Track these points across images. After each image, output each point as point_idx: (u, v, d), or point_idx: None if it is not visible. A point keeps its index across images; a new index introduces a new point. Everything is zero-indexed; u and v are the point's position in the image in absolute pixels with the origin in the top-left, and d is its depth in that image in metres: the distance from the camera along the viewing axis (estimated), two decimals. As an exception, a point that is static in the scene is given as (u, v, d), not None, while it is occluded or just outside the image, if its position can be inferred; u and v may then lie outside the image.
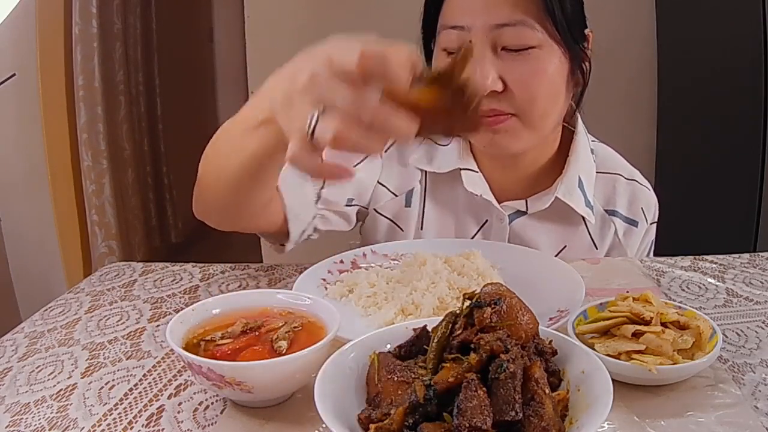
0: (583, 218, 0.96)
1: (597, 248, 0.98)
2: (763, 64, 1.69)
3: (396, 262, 0.89)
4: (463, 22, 0.83)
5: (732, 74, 1.83)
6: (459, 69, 0.55)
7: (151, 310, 0.83)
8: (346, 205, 0.98)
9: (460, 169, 0.96)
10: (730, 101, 1.85)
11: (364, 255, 0.91)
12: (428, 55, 0.92)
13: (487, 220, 0.98)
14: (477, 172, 0.96)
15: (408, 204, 1.01)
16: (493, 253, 0.87)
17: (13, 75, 1.90)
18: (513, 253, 0.89)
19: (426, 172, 0.99)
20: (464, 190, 0.96)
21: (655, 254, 1.04)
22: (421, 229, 1.00)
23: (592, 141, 1.03)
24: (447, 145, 0.98)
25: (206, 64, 2.68)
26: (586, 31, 0.90)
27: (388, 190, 1.01)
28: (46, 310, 0.84)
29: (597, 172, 0.99)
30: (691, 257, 0.95)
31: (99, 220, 2.02)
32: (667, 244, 2.28)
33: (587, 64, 0.90)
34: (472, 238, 0.99)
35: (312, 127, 0.53)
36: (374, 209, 1.02)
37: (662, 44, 2.24)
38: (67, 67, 1.91)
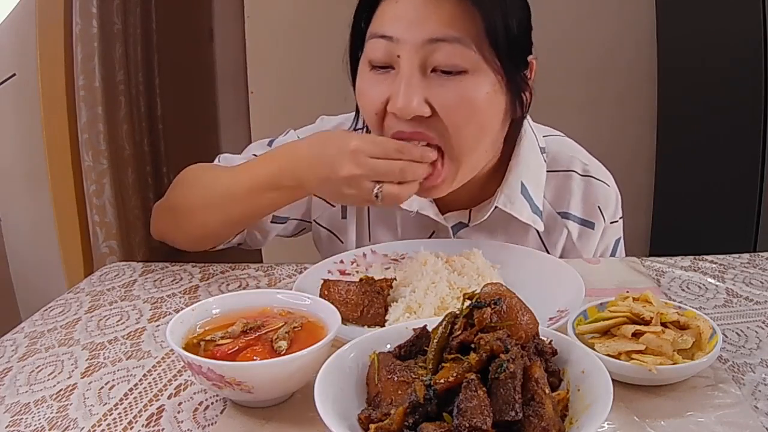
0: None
1: (549, 253, 0.93)
2: (764, 64, 1.69)
3: (396, 262, 0.89)
4: (392, 32, 0.75)
5: (732, 74, 1.83)
6: (384, 281, 0.78)
7: (151, 310, 0.83)
8: (271, 222, 0.99)
9: None
10: (730, 101, 1.85)
11: (364, 255, 0.91)
12: (354, 65, 0.85)
13: (433, 232, 0.95)
14: None
15: (344, 216, 0.99)
16: (493, 253, 0.87)
17: (13, 75, 1.90)
18: (513, 253, 0.89)
19: None
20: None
21: (655, 254, 1.04)
22: (369, 241, 0.98)
23: (546, 136, 0.96)
24: None
25: (206, 64, 2.68)
26: (530, 57, 0.82)
27: (324, 200, 0.98)
28: (46, 310, 0.84)
29: (548, 171, 0.93)
30: (691, 257, 0.95)
31: (100, 220, 2.02)
32: (667, 244, 2.29)
33: (528, 94, 0.82)
34: None
35: (376, 193, 0.75)
36: (314, 220, 1.02)
37: (662, 44, 2.24)
38: (67, 67, 1.91)
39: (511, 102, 0.81)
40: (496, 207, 0.90)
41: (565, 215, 0.94)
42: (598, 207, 0.95)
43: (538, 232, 0.93)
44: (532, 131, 0.94)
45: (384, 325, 0.73)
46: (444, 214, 0.94)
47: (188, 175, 0.96)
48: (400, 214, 0.96)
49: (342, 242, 1.01)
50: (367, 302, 0.75)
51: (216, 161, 1.01)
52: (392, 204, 0.78)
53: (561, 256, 0.96)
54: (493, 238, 0.93)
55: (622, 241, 1.01)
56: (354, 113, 0.97)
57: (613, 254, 1.00)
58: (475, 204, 0.92)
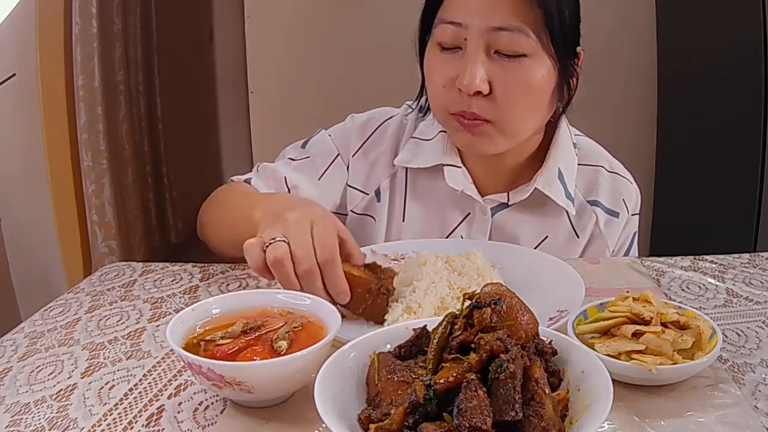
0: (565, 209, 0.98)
1: (578, 237, 1.00)
2: (764, 64, 1.69)
3: (396, 262, 0.89)
4: (461, 19, 0.84)
5: (732, 74, 1.83)
6: (389, 275, 0.76)
7: (151, 310, 0.83)
8: None
9: (443, 165, 0.98)
10: (730, 101, 1.86)
11: (364, 255, 0.91)
12: (422, 48, 0.93)
13: (470, 213, 1.00)
14: (460, 167, 0.98)
15: (378, 199, 1.03)
16: (493, 253, 0.87)
17: (13, 75, 1.90)
18: (513, 253, 0.89)
19: (407, 167, 1.01)
20: (447, 183, 0.98)
21: (655, 254, 1.04)
22: (403, 221, 1.02)
23: (576, 135, 1.04)
24: (431, 140, 1.00)
25: (206, 64, 2.68)
26: (578, 48, 0.91)
27: (359, 190, 1.04)
28: (46, 310, 0.84)
29: (579, 164, 1.01)
30: (691, 257, 0.95)
31: (99, 220, 2.02)
32: (667, 244, 2.29)
33: (575, 80, 0.91)
34: (455, 229, 1.01)
35: (272, 242, 0.72)
36: (351, 211, 1.05)
37: (662, 44, 2.24)
38: (67, 67, 1.91)
39: (560, 85, 0.89)
40: (535, 188, 0.96)
41: (594, 203, 1.01)
42: (623, 200, 1.02)
43: (569, 217, 0.99)
44: (567, 126, 1.01)
45: (383, 322, 0.73)
46: (483, 197, 0.99)
47: (217, 194, 1.02)
48: (439, 193, 1.00)
49: (375, 220, 1.04)
50: (370, 301, 0.74)
51: (255, 170, 1.04)
52: (269, 265, 0.71)
53: (588, 241, 1.01)
54: (528, 220, 0.99)
55: (637, 235, 1.06)
56: (377, 106, 1.07)
57: (630, 245, 1.05)
58: (512, 189, 0.99)
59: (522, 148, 0.97)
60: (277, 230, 0.73)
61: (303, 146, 1.05)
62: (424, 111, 1.02)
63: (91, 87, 1.94)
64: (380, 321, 0.74)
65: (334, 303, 0.69)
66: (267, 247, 0.71)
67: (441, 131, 0.99)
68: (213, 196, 1.02)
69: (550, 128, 0.99)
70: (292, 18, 2.48)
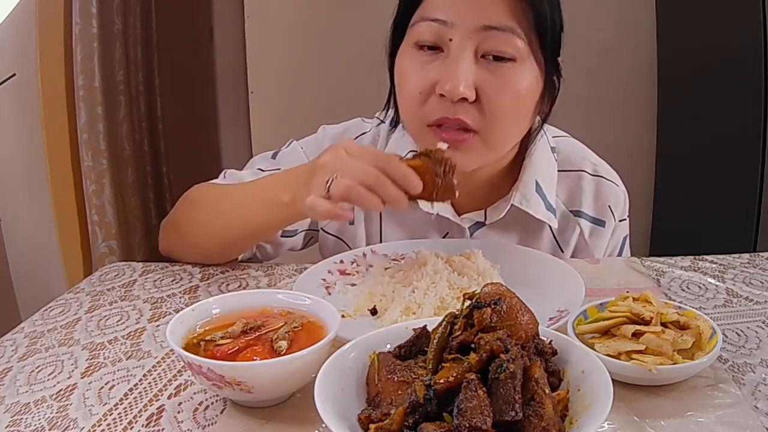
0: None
1: (563, 251, 0.96)
2: (764, 64, 1.69)
3: (396, 262, 0.89)
4: (447, 17, 0.77)
5: (732, 74, 1.83)
6: (441, 154, 0.73)
7: (151, 310, 0.83)
8: (282, 236, 0.98)
9: None
10: (730, 101, 1.85)
11: (364, 255, 0.91)
12: (394, 52, 0.86)
13: (448, 233, 0.96)
14: None
15: (351, 222, 0.99)
16: (493, 253, 0.87)
17: (13, 75, 1.90)
18: (513, 253, 0.89)
19: None
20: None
21: (655, 254, 1.04)
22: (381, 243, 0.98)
23: (555, 137, 0.99)
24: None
25: (206, 64, 2.68)
26: (559, 59, 0.86)
27: None
28: (46, 310, 0.84)
29: (560, 171, 0.95)
30: (691, 257, 0.95)
31: (99, 220, 2.02)
32: (667, 244, 2.29)
33: (556, 93, 0.87)
34: None
35: (329, 184, 0.70)
36: (321, 228, 1.02)
37: (662, 44, 2.24)
38: (67, 67, 1.91)
39: (542, 96, 0.85)
40: (512, 205, 0.91)
41: (578, 213, 0.96)
42: (609, 206, 0.97)
43: (551, 230, 0.95)
44: (543, 131, 0.96)
45: (456, 197, 0.73)
46: (460, 215, 0.95)
47: (195, 194, 0.96)
48: (415, 215, 0.95)
49: (350, 247, 1.00)
50: (440, 183, 0.72)
51: (221, 176, 0.99)
52: (340, 199, 0.71)
53: (573, 254, 0.98)
54: (508, 237, 0.95)
55: (628, 238, 1.03)
56: (354, 115, 1.02)
57: (621, 251, 1.01)
58: (489, 204, 0.94)
59: (496, 161, 0.91)
60: (325, 175, 0.71)
61: (273, 157, 1.00)
62: (394, 123, 0.95)
63: (91, 87, 1.94)
64: (454, 197, 0.74)
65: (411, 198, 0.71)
66: (328, 190, 0.70)
67: (411, 151, 0.92)
68: (188, 201, 0.96)
69: (525, 139, 0.93)
70: (292, 18, 2.48)
